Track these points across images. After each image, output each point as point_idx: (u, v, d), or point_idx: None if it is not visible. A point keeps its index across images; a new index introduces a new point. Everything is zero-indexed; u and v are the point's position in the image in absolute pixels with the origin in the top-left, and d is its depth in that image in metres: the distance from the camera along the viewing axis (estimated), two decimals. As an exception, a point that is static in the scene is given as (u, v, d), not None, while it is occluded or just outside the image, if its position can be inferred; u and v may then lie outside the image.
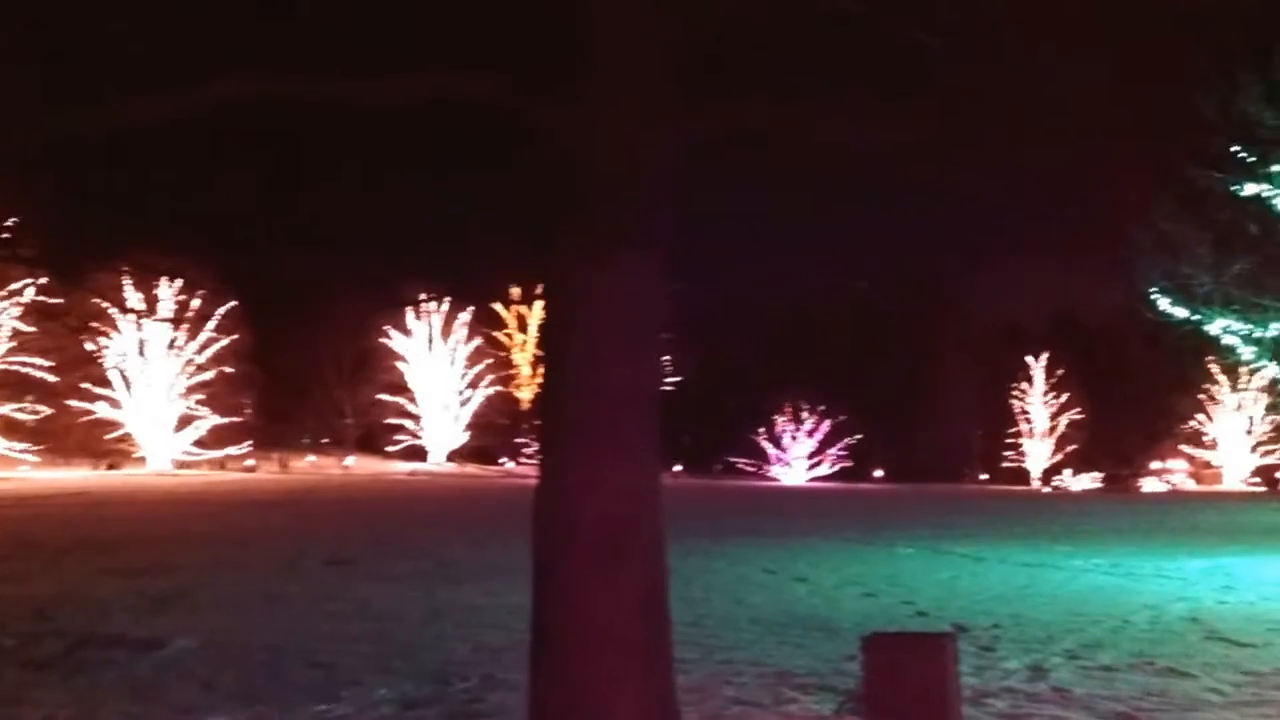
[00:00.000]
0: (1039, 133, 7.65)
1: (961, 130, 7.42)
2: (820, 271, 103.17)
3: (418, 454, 76.54)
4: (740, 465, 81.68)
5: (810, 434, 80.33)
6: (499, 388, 79.68)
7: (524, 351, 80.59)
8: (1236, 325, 21.52)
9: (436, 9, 6.68)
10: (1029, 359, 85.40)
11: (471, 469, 75.31)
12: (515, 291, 78.43)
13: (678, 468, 72.80)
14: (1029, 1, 6.70)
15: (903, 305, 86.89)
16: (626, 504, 5.59)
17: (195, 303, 58.74)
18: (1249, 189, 20.31)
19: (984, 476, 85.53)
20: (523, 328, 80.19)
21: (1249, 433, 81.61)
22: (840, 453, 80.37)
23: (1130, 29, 7.07)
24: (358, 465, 71.47)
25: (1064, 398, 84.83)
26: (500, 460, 79.04)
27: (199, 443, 64.14)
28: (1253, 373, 45.46)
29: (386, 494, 45.22)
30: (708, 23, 5.97)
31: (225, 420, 64.00)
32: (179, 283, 53.51)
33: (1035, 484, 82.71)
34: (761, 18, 6.35)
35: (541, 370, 6.26)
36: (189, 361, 63.78)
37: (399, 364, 76.45)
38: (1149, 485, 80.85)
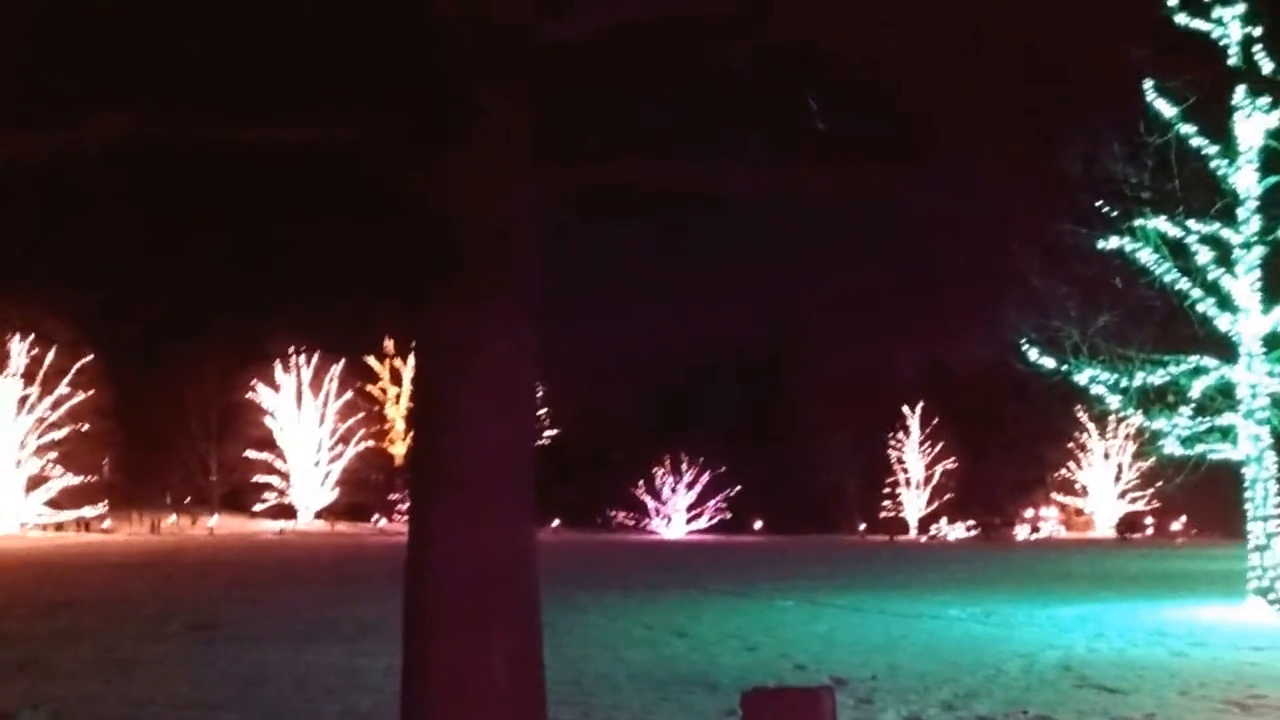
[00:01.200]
0: (916, 185, 7.92)
1: (842, 182, 7.64)
2: (701, 321, 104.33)
3: (286, 512, 74.45)
4: (620, 519, 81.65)
5: (690, 486, 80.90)
6: (372, 443, 78.28)
7: (398, 405, 79.37)
8: (1103, 375, 22.46)
9: (318, 58, 6.64)
10: (905, 408, 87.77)
11: (342, 527, 73.57)
12: (389, 344, 78.00)
13: (556, 522, 72.36)
14: (905, 58, 6.96)
15: (782, 355, 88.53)
16: (499, 562, 5.52)
17: (49, 357, 56.42)
18: (1113, 243, 21.35)
19: (862, 526, 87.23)
20: (396, 381, 79.05)
21: (1117, 480, 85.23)
22: (720, 505, 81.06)
23: (999, 85, 7.41)
24: (224, 525, 69.05)
25: (939, 447, 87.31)
26: (374, 517, 77.37)
27: (52, 503, 61.20)
28: (1120, 421, 47.68)
29: (253, 554, 43.71)
30: (580, 79, 6.04)
31: (81, 480, 61.31)
32: (32, 336, 51.40)
33: (913, 533, 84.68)
34: (641, 73, 6.47)
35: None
36: (41, 419, 61.04)
37: (267, 419, 74.55)
38: (1022, 533, 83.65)
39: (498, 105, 5.63)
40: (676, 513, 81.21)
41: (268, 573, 32.46)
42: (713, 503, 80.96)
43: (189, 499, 74.74)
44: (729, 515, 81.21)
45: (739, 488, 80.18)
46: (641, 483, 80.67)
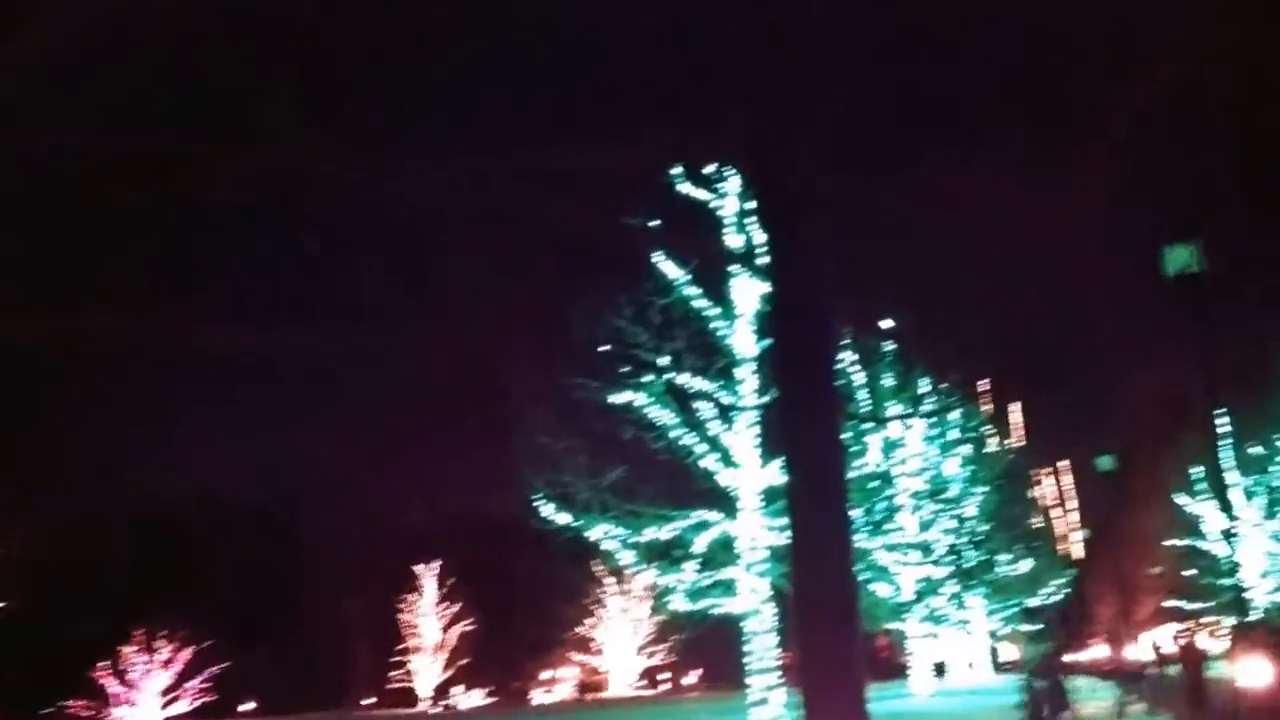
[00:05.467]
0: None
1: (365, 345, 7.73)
2: (185, 477, 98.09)
3: None
4: (74, 710, 73.28)
5: (167, 665, 74.59)
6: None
7: None
8: (615, 530, 23.94)
9: None
10: (419, 568, 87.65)
11: None
12: None
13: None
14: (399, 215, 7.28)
15: (286, 515, 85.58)
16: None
17: None
18: (622, 398, 23.16)
19: (369, 700, 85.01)
20: None
21: (635, 635, 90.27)
22: (204, 684, 75.41)
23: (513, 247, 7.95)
24: None
25: (456, 608, 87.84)
26: None
27: None
28: (634, 577, 50.93)
29: None
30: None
31: None
32: None
33: (424, 704, 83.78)
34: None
35: None
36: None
37: None
38: (539, 696, 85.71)
39: None
40: (148, 698, 74.26)
41: None
42: (195, 682, 75.09)
43: None
44: (214, 696, 75.59)
45: (228, 663, 75.12)
46: (106, 664, 73.15)
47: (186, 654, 73.23)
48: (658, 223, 22.51)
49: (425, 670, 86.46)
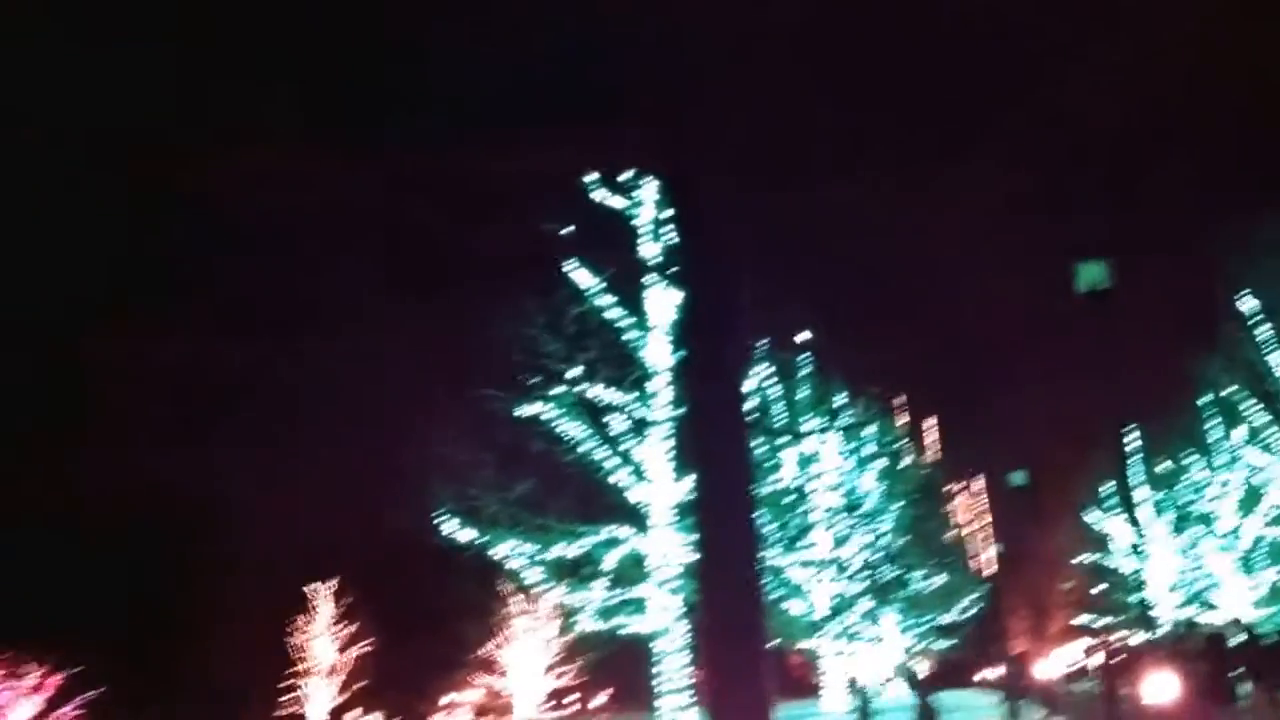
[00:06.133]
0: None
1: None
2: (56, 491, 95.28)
3: None
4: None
5: (35, 691, 72.40)
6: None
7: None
8: (523, 547, 23.90)
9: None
10: (313, 587, 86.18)
11: None
12: None
13: None
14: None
15: (173, 533, 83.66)
16: None
17: None
18: (531, 409, 23.16)
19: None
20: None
21: (542, 655, 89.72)
22: (76, 712, 73.34)
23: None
24: None
25: (353, 628, 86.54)
26: None
27: None
28: (541, 595, 50.58)
29: None
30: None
31: None
32: None
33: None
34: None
35: None
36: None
37: None
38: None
39: None
40: (15, 728, 71.99)
41: None
42: (67, 710, 72.99)
43: None
44: (90, 726, 73.55)
45: (103, 689, 73.13)
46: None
47: (57, 680, 71.07)
48: (571, 229, 22.61)
49: (319, 694, 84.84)
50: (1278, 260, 35.32)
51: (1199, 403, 41.77)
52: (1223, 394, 39.71)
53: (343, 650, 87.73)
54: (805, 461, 36.15)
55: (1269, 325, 36.16)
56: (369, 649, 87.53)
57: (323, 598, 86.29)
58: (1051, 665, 53.82)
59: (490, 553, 24.17)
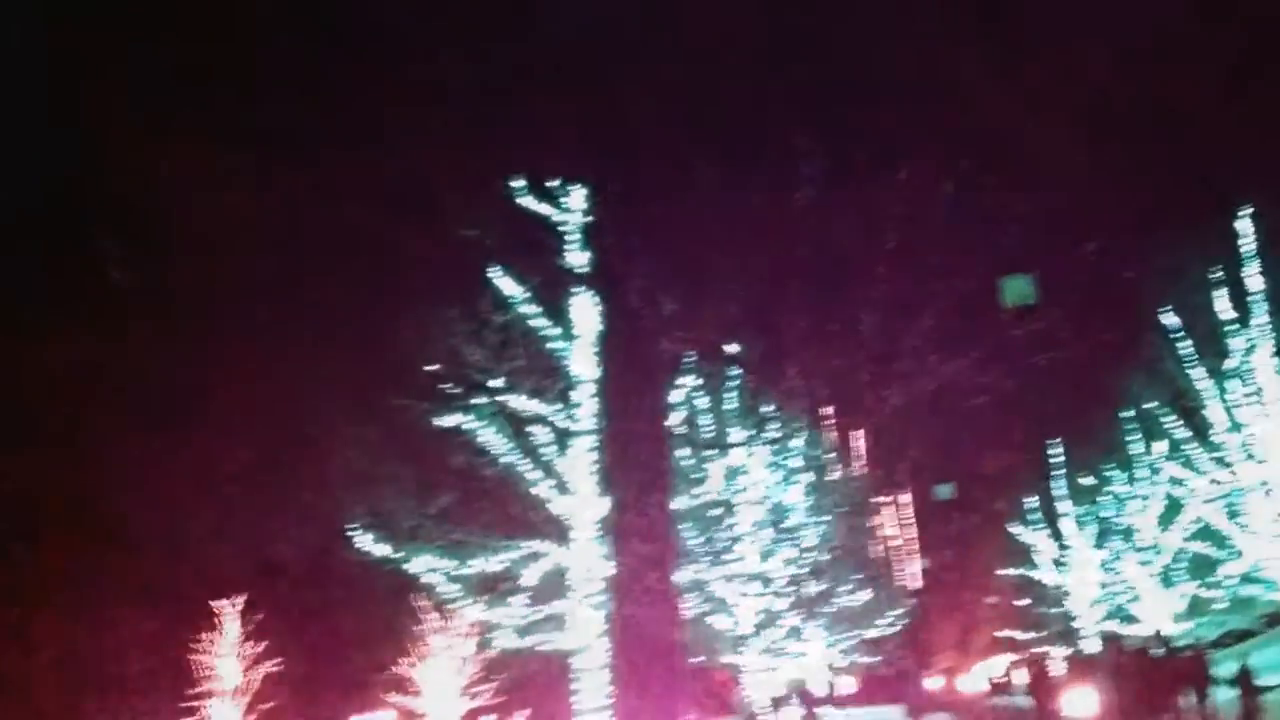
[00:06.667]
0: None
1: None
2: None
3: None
4: None
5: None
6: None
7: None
8: (440, 563, 23.76)
9: None
10: (219, 603, 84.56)
11: None
12: None
13: None
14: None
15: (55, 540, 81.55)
16: None
17: None
18: (452, 420, 23.04)
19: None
20: None
21: (458, 674, 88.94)
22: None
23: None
24: None
25: (260, 647, 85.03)
26: None
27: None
28: (458, 612, 50.16)
29: None
30: None
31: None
32: None
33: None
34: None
35: None
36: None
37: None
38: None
39: None
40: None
41: None
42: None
43: None
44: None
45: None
46: None
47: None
48: (496, 236, 22.57)
49: (223, 716, 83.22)
50: (1200, 276, 36.40)
51: (1121, 417, 42.82)
52: (1144, 408, 40.75)
53: (249, 670, 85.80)
54: (733, 474, 36.37)
55: (1189, 341, 37.20)
56: (277, 668, 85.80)
57: (229, 615, 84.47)
58: (974, 679, 54.74)
59: (406, 568, 24.00)
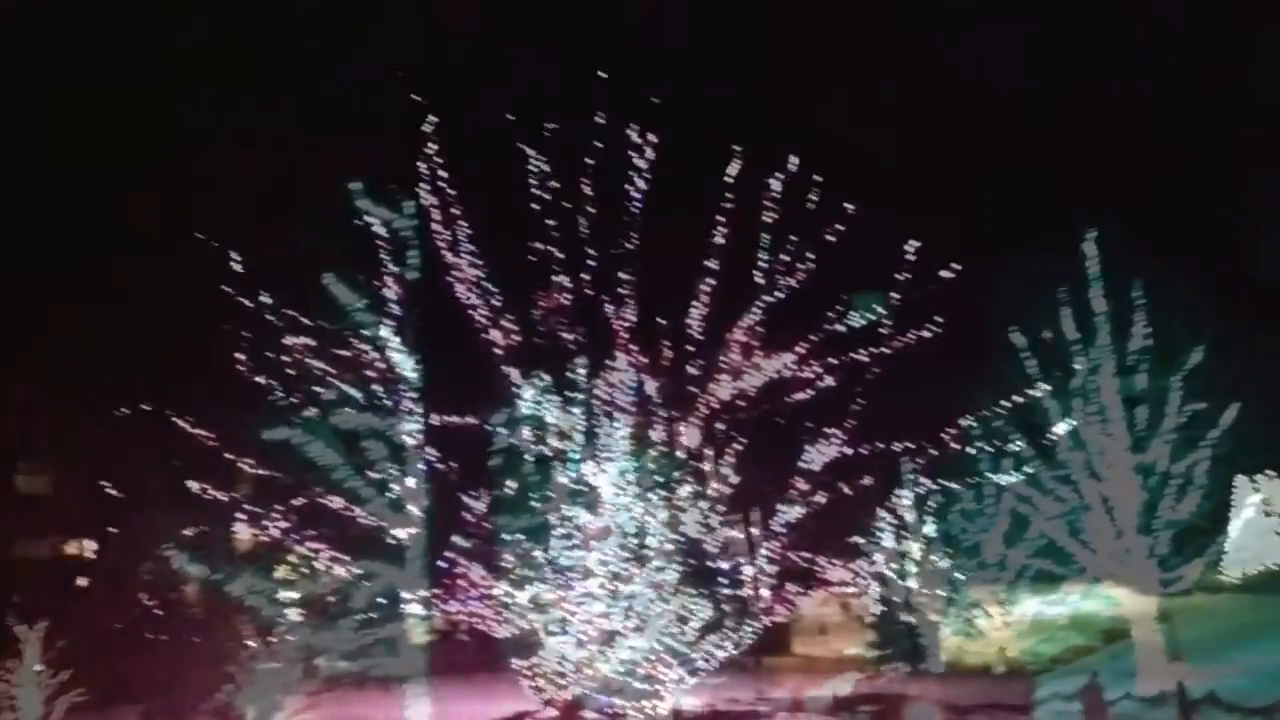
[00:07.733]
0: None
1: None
2: None
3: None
4: None
5: None
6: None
7: None
8: (263, 585, 23.47)
9: None
10: (20, 629, 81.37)
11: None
12: None
13: None
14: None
15: None
16: None
17: None
18: (281, 434, 22.79)
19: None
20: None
21: (283, 701, 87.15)
22: None
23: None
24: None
25: (65, 676, 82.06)
26: None
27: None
28: (284, 636, 49.18)
29: None
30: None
31: None
32: None
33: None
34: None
35: None
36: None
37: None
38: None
39: None
40: None
41: None
42: None
43: None
44: None
45: None
46: None
47: None
48: (332, 241, 22.40)
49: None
50: (1048, 294, 38.16)
51: (969, 434, 44.38)
52: (991, 426, 42.34)
53: (50, 700, 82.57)
54: (577, 493, 36.51)
55: (1034, 360, 38.91)
56: (82, 699, 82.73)
57: (30, 642, 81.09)
58: (820, 698, 56.00)
59: (227, 590, 23.67)
